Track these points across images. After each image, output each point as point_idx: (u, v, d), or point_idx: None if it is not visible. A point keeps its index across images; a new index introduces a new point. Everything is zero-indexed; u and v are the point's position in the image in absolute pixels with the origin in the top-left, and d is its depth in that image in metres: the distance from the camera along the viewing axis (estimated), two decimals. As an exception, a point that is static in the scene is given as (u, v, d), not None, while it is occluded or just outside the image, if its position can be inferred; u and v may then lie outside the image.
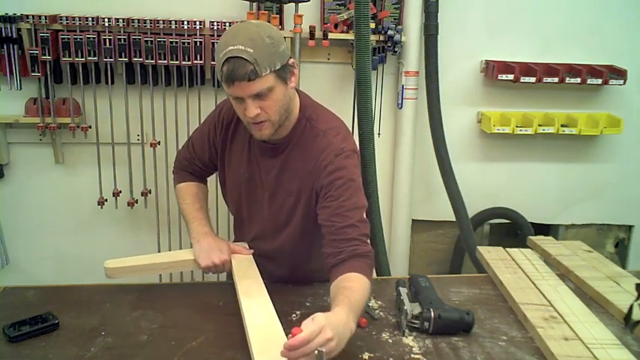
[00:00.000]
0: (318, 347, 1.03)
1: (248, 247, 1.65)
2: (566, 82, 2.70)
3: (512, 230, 3.06)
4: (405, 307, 1.33)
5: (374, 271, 2.30)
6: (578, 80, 2.70)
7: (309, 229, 1.51)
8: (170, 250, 2.73)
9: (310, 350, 1.04)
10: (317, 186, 1.44)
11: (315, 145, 1.46)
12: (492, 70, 2.73)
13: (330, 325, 1.07)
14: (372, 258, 1.36)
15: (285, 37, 2.51)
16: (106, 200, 2.65)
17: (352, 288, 1.24)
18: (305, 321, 1.08)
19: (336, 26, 2.56)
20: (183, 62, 2.43)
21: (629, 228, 3.17)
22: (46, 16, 2.34)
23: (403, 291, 1.39)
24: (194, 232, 1.61)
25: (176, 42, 2.40)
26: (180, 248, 2.74)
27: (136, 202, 2.68)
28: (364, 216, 1.41)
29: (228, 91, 1.34)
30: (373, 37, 2.55)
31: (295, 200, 1.51)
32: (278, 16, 2.48)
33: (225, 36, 1.33)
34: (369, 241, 1.39)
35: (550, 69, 2.73)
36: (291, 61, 1.38)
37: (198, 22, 2.41)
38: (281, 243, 1.59)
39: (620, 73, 2.76)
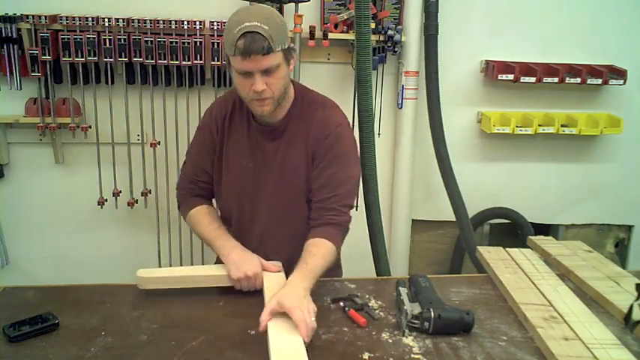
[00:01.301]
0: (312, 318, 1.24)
1: (279, 266, 1.59)
2: (566, 82, 2.71)
3: (512, 230, 3.06)
4: (405, 307, 1.33)
5: (375, 269, 2.33)
6: (578, 80, 2.71)
7: None
8: (170, 250, 2.73)
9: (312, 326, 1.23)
10: (316, 152, 1.54)
11: (316, 117, 1.55)
12: (492, 70, 2.73)
13: (287, 297, 1.26)
14: (347, 227, 1.53)
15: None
16: (106, 200, 2.65)
17: (315, 253, 1.41)
18: (271, 306, 1.25)
19: (336, 26, 2.56)
20: (183, 62, 2.43)
21: (629, 228, 3.17)
22: (46, 16, 2.34)
23: (403, 291, 1.39)
24: (221, 249, 1.56)
25: (176, 42, 2.40)
26: (181, 248, 2.74)
27: (136, 202, 2.68)
28: (354, 185, 1.56)
29: (239, 66, 1.39)
30: (373, 37, 2.55)
31: (301, 175, 1.55)
32: (278, 16, 2.48)
33: (238, 15, 1.39)
34: (350, 211, 1.55)
35: (550, 69, 2.73)
36: (292, 45, 1.47)
37: (198, 22, 2.41)
38: (288, 230, 1.59)
39: (620, 73, 2.76)
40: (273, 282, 1.48)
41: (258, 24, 1.35)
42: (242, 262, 1.50)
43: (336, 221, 1.51)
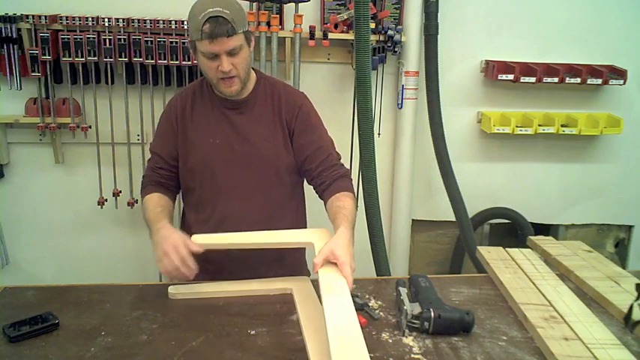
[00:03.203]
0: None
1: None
2: (566, 82, 2.71)
3: (512, 230, 3.06)
4: (405, 307, 1.33)
5: (375, 269, 2.33)
6: (578, 80, 2.71)
7: (295, 176, 1.68)
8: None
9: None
10: (294, 122, 1.66)
11: (282, 93, 1.69)
12: (492, 70, 2.73)
13: (340, 248, 1.32)
14: (350, 175, 1.68)
15: (285, 37, 2.54)
16: (106, 200, 2.65)
17: (345, 206, 1.52)
18: (325, 254, 1.31)
19: (336, 26, 2.56)
20: (183, 62, 2.43)
21: (629, 228, 3.17)
22: (46, 16, 2.34)
23: (403, 291, 1.39)
24: (152, 234, 1.53)
25: (176, 42, 2.40)
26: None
27: (136, 202, 2.68)
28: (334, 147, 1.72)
29: (206, 49, 1.49)
30: (373, 37, 2.55)
31: (274, 144, 1.65)
32: (278, 15, 2.49)
33: (200, 2, 1.50)
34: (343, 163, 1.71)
35: (550, 69, 2.73)
36: (251, 28, 1.60)
37: (198, 22, 2.41)
38: (265, 198, 1.65)
39: (620, 73, 2.76)
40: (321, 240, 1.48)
41: (221, 9, 1.47)
42: (160, 242, 1.44)
43: (342, 173, 1.64)
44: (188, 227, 1.77)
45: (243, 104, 1.66)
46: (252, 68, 1.69)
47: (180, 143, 1.67)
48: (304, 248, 1.85)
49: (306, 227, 1.84)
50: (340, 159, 1.70)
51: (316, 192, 1.67)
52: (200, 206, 1.71)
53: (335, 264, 1.31)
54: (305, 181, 1.77)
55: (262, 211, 1.67)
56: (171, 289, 1.49)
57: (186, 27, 2.41)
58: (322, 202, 1.64)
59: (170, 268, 1.40)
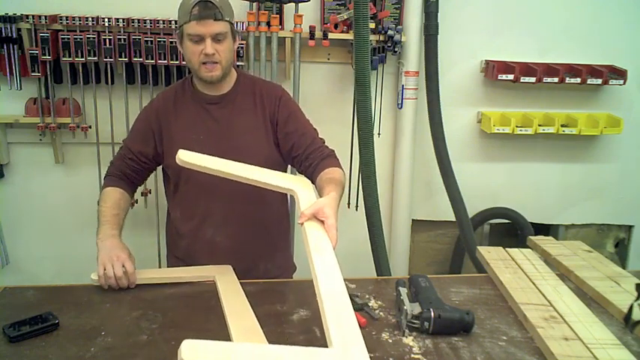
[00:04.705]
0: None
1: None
2: (566, 82, 2.71)
3: (512, 230, 3.06)
4: (405, 307, 1.33)
5: (375, 269, 2.33)
6: (578, 80, 2.71)
7: (277, 168, 1.68)
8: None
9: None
10: (276, 113, 1.72)
11: (262, 86, 1.76)
12: (492, 70, 2.73)
13: (330, 208, 1.33)
14: (335, 155, 1.72)
15: (285, 37, 2.54)
16: (106, 200, 2.65)
17: (335, 178, 1.56)
18: (314, 208, 1.31)
19: (336, 26, 2.56)
20: (183, 62, 2.43)
21: (629, 228, 3.17)
22: (46, 16, 2.34)
23: (403, 291, 1.39)
24: (101, 233, 1.61)
25: (176, 42, 2.40)
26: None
27: (136, 202, 2.67)
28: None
29: (193, 30, 1.58)
30: (373, 37, 2.55)
31: (256, 135, 1.70)
32: (278, 15, 2.49)
33: None
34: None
35: (550, 69, 2.73)
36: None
37: (198, 22, 2.41)
38: (253, 189, 1.63)
39: (620, 73, 2.76)
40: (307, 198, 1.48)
41: None
42: (111, 248, 1.54)
43: (327, 153, 1.69)
44: (173, 226, 1.81)
45: (225, 99, 1.71)
46: (233, 67, 1.74)
47: (165, 142, 1.71)
48: (291, 248, 1.94)
49: (289, 219, 1.94)
50: (324, 142, 1.74)
51: (306, 175, 1.69)
52: (185, 202, 1.76)
53: (321, 222, 1.31)
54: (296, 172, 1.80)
55: (248, 204, 1.70)
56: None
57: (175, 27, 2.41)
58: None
59: (112, 280, 1.50)
